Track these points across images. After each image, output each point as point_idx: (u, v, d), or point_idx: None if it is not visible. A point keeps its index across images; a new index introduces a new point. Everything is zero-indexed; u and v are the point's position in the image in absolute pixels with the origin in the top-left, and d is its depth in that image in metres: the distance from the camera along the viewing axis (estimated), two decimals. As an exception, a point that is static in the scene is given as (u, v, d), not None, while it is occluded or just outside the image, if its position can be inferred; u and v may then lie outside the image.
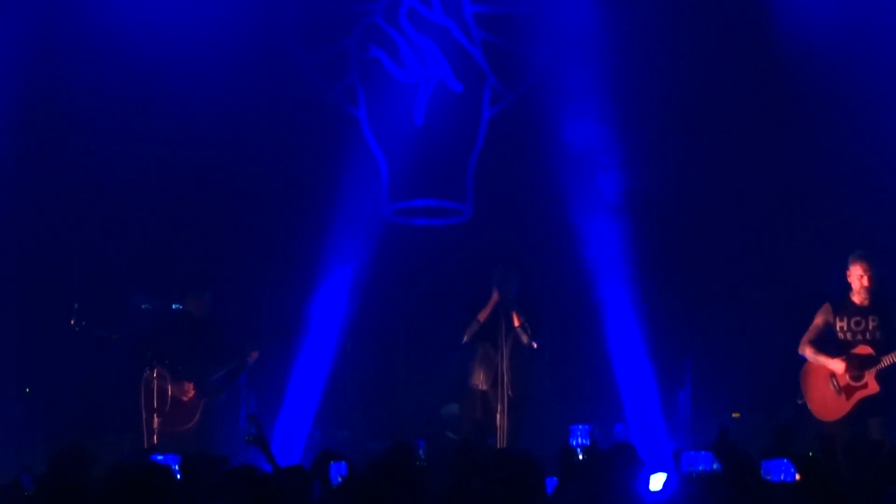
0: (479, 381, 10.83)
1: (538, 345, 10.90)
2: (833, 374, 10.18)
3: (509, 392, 10.56)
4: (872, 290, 10.18)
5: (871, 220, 11.86)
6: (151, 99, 12.20)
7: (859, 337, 10.20)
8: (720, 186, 12.20)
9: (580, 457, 7.78)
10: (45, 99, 12.11)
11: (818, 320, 10.37)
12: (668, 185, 12.22)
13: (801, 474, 6.30)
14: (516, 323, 10.70)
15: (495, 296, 10.66)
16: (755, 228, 12.33)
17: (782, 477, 6.32)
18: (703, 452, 6.57)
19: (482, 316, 10.74)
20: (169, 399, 10.62)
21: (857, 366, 10.10)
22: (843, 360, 10.12)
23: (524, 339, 10.75)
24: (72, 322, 11.12)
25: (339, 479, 7.06)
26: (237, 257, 12.41)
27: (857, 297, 10.27)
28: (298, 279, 12.27)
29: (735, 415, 11.89)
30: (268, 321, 11.62)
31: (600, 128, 12.24)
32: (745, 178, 12.23)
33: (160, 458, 7.01)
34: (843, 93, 12.00)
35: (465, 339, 10.85)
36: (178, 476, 6.80)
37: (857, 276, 10.24)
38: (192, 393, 10.75)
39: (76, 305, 11.17)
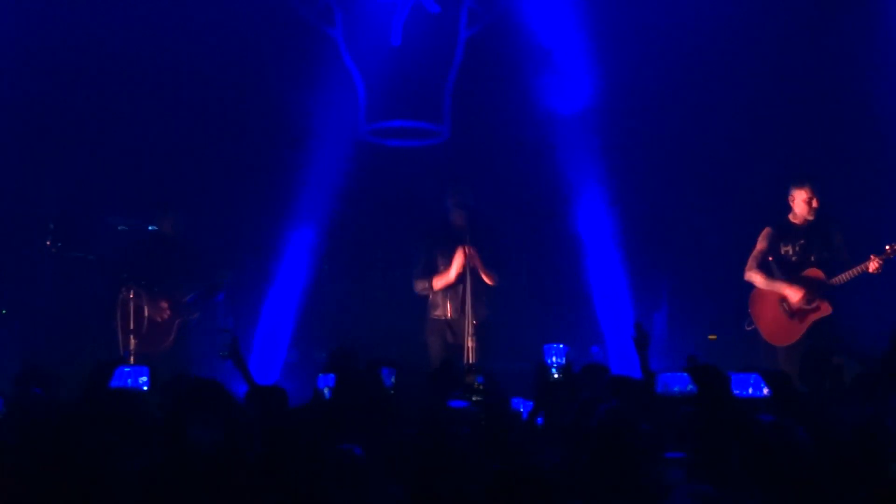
0: (444, 311, 10.74)
1: (500, 282, 10.77)
2: (784, 299, 10.20)
3: (473, 320, 10.48)
4: (816, 214, 10.20)
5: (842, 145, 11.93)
6: (127, 19, 12.01)
7: (805, 259, 10.21)
8: (700, 108, 12.11)
9: (555, 376, 7.76)
10: (20, 20, 11.88)
11: (761, 245, 10.38)
12: (648, 106, 12.16)
13: (771, 388, 6.33)
14: (462, 258, 10.55)
15: (460, 256, 10.53)
16: (729, 150, 12.24)
17: (750, 391, 6.34)
18: (679, 374, 6.58)
19: (443, 281, 10.65)
20: (145, 319, 10.60)
21: (809, 289, 10.12)
22: (797, 284, 10.14)
23: (485, 278, 10.62)
24: (47, 243, 11.02)
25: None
26: (213, 178, 12.32)
27: (800, 220, 10.27)
28: (273, 198, 12.20)
29: (711, 336, 11.93)
30: (244, 241, 11.59)
31: (578, 48, 12.15)
32: (725, 101, 12.13)
33: (128, 369, 6.98)
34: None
35: (422, 290, 10.80)
36: (147, 387, 6.84)
37: (804, 200, 10.25)
38: (167, 313, 10.71)
39: (51, 226, 11.06)
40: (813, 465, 5.04)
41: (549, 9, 12.29)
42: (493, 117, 12.41)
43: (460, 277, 10.52)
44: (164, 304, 10.68)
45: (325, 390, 7.25)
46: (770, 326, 10.36)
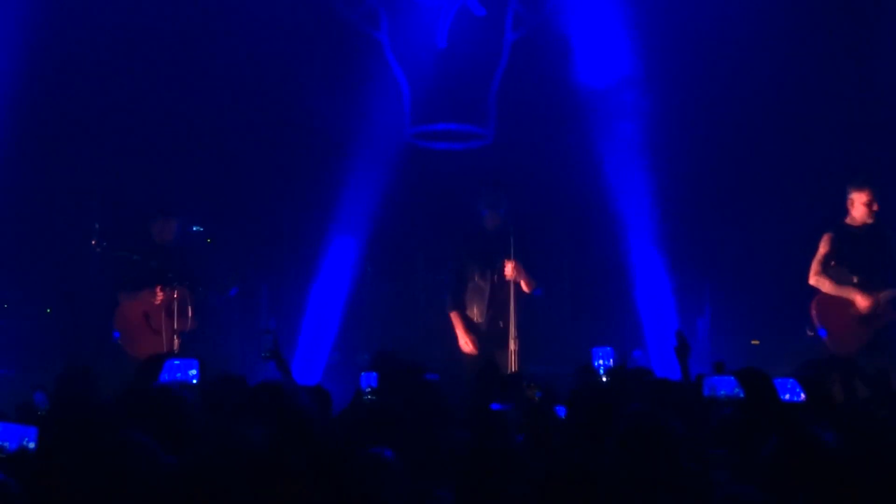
0: (472, 314, 10.66)
1: (539, 292, 10.66)
2: (851, 303, 10.04)
3: (501, 323, 10.41)
4: (875, 217, 10.06)
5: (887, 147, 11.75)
6: (171, 22, 12.02)
7: (865, 264, 10.06)
8: (748, 106, 11.98)
9: (603, 378, 7.68)
10: (63, 26, 11.87)
11: (823, 249, 10.22)
12: (695, 107, 12.02)
13: (807, 394, 6.26)
14: (510, 274, 10.43)
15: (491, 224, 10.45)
16: (777, 153, 12.13)
17: (787, 396, 6.25)
18: (726, 377, 6.49)
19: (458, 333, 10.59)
20: (188, 320, 10.60)
21: (874, 294, 9.98)
22: (864, 290, 10.00)
23: (524, 287, 10.53)
24: (93, 242, 11.03)
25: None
26: (257, 182, 12.34)
27: (858, 223, 10.13)
28: (317, 202, 12.16)
29: (755, 342, 11.82)
30: (288, 243, 11.57)
31: (624, 54, 12.05)
32: (770, 103, 12.00)
33: (177, 362, 6.95)
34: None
35: (452, 309, 10.72)
36: (196, 380, 6.80)
37: (864, 203, 10.09)
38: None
39: (97, 226, 11.07)
40: (845, 469, 4.93)
41: (594, 11, 12.21)
42: (537, 120, 12.31)
43: (486, 286, 10.45)
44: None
45: (368, 390, 7.20)
46: (838, 332, 10.16)
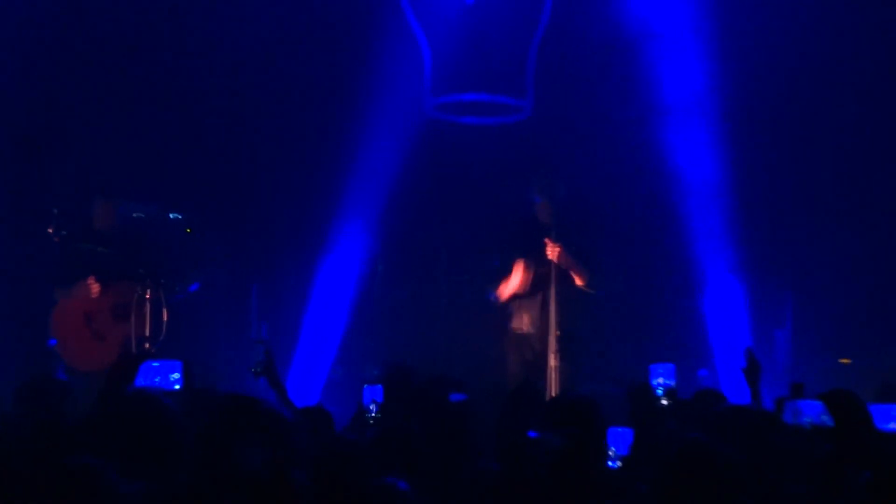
0: (522, 323, 10.70)
1: (594, 290, 10.72)
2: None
3: (557, 332, 10.44)
4: None
5: None
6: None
7: None
8: (832, 98, 12.04)
9: (663, 401, 7.69)
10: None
11: None
12: (772, 93, 12.08)
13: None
14: (553, 256, 10.46)
15: (520, 271, 10.51)
16: (866, 147, 12.18)
17: (892, 426, 6.30)
18: (811, 401, 6.50)
19: (508, 289, 10.61)
20: (164, 324, 10.60)
21: None
22: None
23: (577, 279, 10.57)
24: (49, 230, 11.04)
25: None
26: (248, 161, 12.41)
27: None
28: (317, 188, 12.27)
29: (844, 361, 11.81)
30: (285, 237, 11.58)
31: (686, 9, 12.05)
32: (858, 92, 12.06)
33: (156, 364, 6.95)
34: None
35: (499, 300, 10.76)
36: (180, 386, 6.80)
37: None
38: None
39: (55, 211, 11.08)
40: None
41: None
42: (586, 92, 12.33)
43: (537, 285, 10.48)
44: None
45: (372, 406, 7.22)
46: None
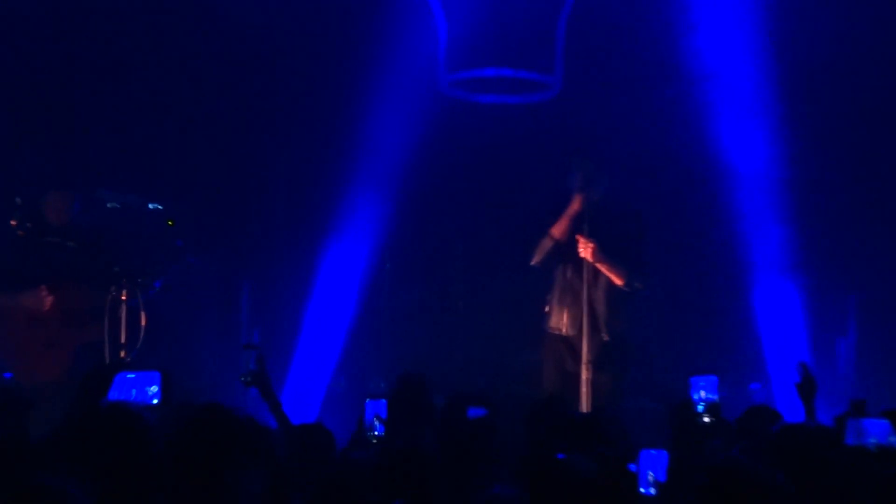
0: (561, 322, 10.59)
1: (641, 285, 10.63)
2: None
3: (604, 335, 10.35)
4: None
5: None
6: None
7: None
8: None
9: (704, 418, 7.63)
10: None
11: None
12: (834, 75, 12.05)
13: None
14: (585, 253, 10.38)
15: (576, 202, 10.39)
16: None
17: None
18: (877, 420, 6.46)
19: (558, 230, 10.46)
20: (142, 329, 10.59)
21: None
22: None
23: (616, 278, 10.48)
24: (12, 223, 11.02)
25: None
26: (240, 146, 12.40)
27: None
28: (320, 174, 12.23)
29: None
30: (280, 229, 11.57)
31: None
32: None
33: (131, 375, 6.89)
34: None
35: (536, 260, 10.59)
36: (158, 400, 6.75)
37: None
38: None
39: (19, 201, 11.06)
40: None
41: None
42: (623, 67, 12.30)
43: (580, 271, 10.38)
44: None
45: (375, 423, 7.18)
46: None
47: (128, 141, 12.02)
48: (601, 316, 10.36)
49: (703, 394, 7.74)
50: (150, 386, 6.75)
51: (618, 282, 10.40)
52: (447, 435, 6.94)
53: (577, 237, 10.30)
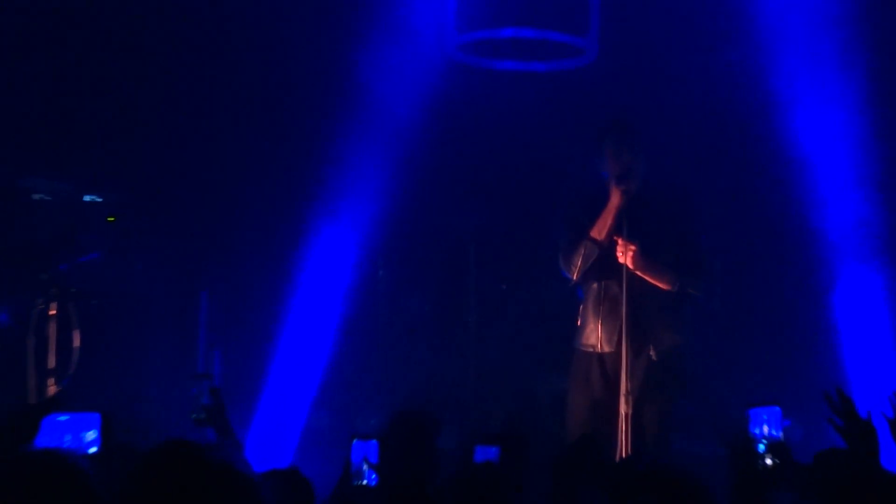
0: (596, 338, 10.39)
1: (695, 290, 10.45)
2: None
3: (652, 354, 10.18)
4: None
5: None
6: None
7: None
8: None
9: (766, 460, 7.48)
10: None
11: None
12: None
13: None
14: (625, 259, 10.20)
15: (615, 196, 10.22)
16: None
17: None
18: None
19: (599, 232, 10.30)
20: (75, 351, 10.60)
21: None
22: None
23: (661, 282, 10.31)
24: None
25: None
26: (203, 123, 12.43)
27: None
28: (301, 159, 12.30)
29: None
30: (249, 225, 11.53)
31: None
32: None
33: (63, 418, 6.81)
34: None
35: (576, 272, 10.41)
36: (97, 448, 6.66)
37: None
38: None
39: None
40: None
41: None
42: (675, 26, 12.24)
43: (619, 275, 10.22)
44: None
45: (364, 468, 7.05)
46: None
47: (62, 123, 12.02)
48: (648, 329, 10.16)
49: (764, 429, 7.62)
50: (88, 431, 6.71)
51: (666, 287, 10.24)
52: (450, 483, 6.83)
53: (616, 238, 10.14)
